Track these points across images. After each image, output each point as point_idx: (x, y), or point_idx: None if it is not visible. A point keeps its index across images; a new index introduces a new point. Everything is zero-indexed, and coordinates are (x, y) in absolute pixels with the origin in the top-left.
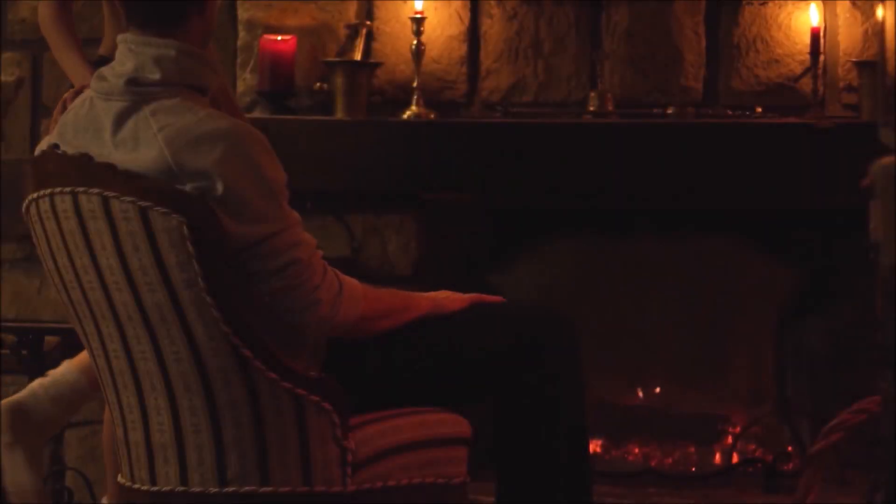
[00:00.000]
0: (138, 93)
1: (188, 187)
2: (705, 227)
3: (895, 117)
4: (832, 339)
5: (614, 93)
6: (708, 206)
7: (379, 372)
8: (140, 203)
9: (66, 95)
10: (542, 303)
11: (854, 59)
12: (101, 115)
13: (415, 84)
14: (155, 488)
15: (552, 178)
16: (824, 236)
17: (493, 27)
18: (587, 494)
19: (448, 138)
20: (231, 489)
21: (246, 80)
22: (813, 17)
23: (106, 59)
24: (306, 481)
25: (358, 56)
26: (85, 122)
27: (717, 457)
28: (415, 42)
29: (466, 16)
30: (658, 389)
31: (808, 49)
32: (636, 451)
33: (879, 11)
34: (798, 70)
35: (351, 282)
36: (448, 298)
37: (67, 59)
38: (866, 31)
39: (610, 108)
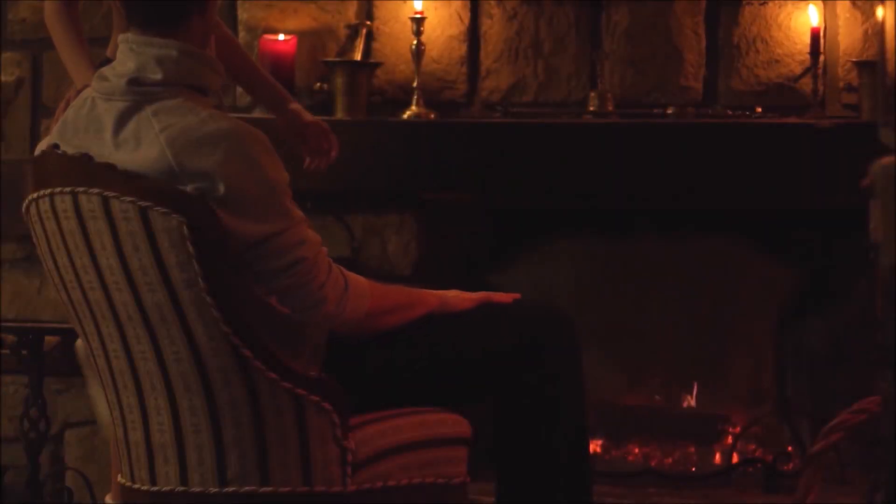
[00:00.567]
0: (140, 93)
1: (189, 188)
2: (705, 227)
3: (895, 117)
4: (832, 339)
5: (614, 93)
6: (708, 206)
7: (379, 372)
8: (140, 203)
9: (69, 94)
10: (542, 303)
11: (854, 59)
12: (102, 115)
13: (415, 84)
14: (155, 488)
15: (552, 178)
16: (824, 236)
17: (493, 27)
18: (587, 494)
19: (448, 138)
20: (231, 489)
21: None
22: (813, 17)
23: (111, 61)
24: (306, 481)
25: (358, 56)
26: (86, 122)
27: (717, 457)
28: (415, 42)
29: (466, 16)
30: (658, 389)
31: (808, 49)
32: (636, 451)
33: (879, 11)
34: (798, 70)
35: (356, 279)
36: (457, 297)
37: (70, 58)
38: (866, 31)
39: (610, 108)
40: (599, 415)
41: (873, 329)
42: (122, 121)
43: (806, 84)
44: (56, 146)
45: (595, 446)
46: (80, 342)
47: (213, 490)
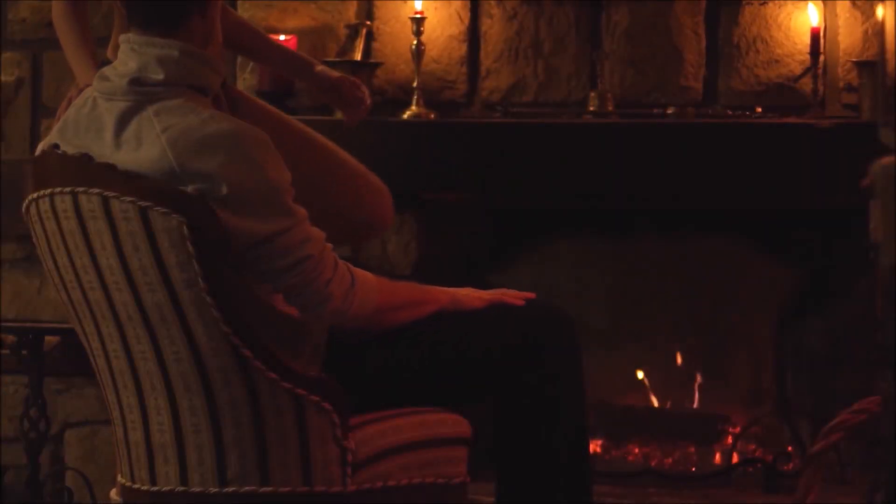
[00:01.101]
0: (141, 93)
1: (190, 188)
2: (705, 227)
3: (895, 117)
4: (832, 339)
5: (614, 93)
6: (708, 206)
7: (379, 372)
8: (140, 203)
9: (71, 93)
10: (542, 303)
11: (854, 59)
12: (103, 115)
13: (415, 84)
14: (155, 488)
15: (552, 178)
16: (824, 236)
17: (493, 27)
18: (587, 494)
19: (448, 138)
20: (231, 489)
21: (246, 80)
22: (813, 17)
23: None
24: (306, 481)
25: (358, 56)
26: (87, 122)
27: (717, 457)
28: (415, 42)
29: (466, 16)
30: (658, 389)
31: (808, 49)
32: (636, 451)
33: (879, 11)
34: (798, 70)
35: (364, 275)
36: (468, 297)
37: (74, 57)
38: (866, 31)
39: (610, 108)
40: (599, 415)
41: (873, 329)
42: (123, 121)
43: (806, 84)
44: (56, 146)
45: (595, 446)
46: None
47: (213, 490)
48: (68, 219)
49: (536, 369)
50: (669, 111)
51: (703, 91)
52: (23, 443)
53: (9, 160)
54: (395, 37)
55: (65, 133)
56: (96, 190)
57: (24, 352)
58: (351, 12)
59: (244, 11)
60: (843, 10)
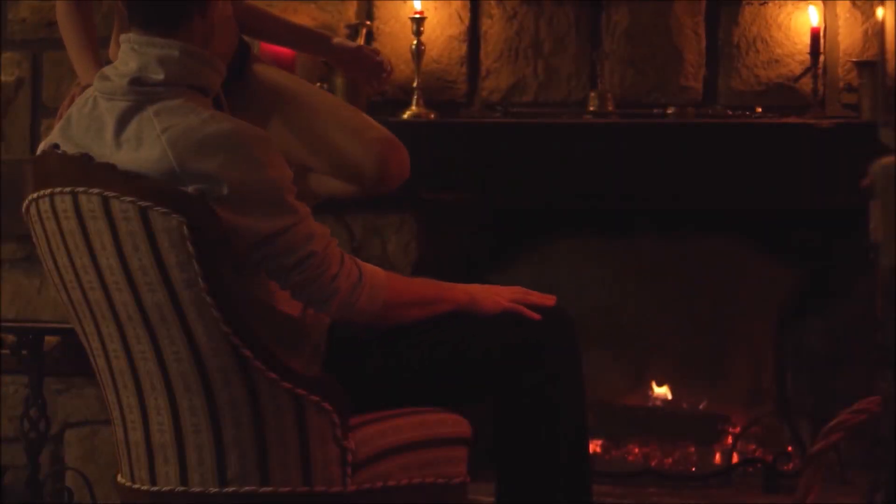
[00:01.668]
0: (142, 93)
1: (191, 189)
2: (705, 227)
3: (895, 117)
4: (832, 339)
5: (614, 93)
6: (708, 206)
7: (379, 372)
8: (140, 203)
9: (73, 91)
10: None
11: (854, 59)
12: (104, 115)
13: (415, 84)
14: (155, 488)
15: (552, 178)
16: (824, 236)
17: (493, 27)
18: (587, 494)
19: (448, 138)
20: (231, 489)
21: None
22: (813, 17)
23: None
24: (306, 481)
25: None
26: (87, 122)
27: (717, 457)
28: (415, 42)
29: (466, 16)
30: (658, 389)
31: (808, 49)
32: (636, 451)
33: (879, 11)
34: (798, 70)
35: (373, 270)
36: (488, 299)
37: (77, 57)
38: (866, 31)
39: (610, 108)
40: (599, 415)
41: (873, 329)
42: (123, 121)
43: (806, 84)
44: (56, 146)
45: (595, 446)
46: None
47: (213, 490)
48: (68, 219)
49: (536, 369)
50: (669, 111)
51: (703, 91)
52: (23, 443)
53: (9, 160)
54: (395, 37)
55: (66, 132)
56: (96, 190)
57: (24, 352)
58: (351, 12)
59: None
60: (843, 10)
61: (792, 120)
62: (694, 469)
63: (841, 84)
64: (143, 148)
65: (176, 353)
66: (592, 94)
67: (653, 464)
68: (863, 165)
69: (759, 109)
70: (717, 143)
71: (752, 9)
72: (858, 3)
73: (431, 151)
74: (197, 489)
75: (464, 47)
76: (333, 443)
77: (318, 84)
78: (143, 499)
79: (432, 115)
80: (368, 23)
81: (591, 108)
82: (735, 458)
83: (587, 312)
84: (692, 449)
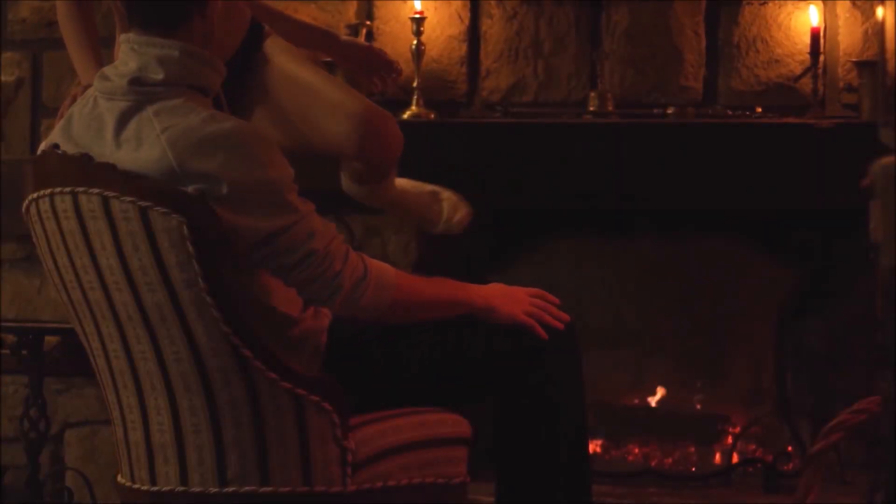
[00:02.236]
0: (142, 93)
1: (191, 188)
2: (705, 227)
3: (895, 117)
4: (832, 339)
5: (614, 93)
6: (708, 206)
7: (379, 372)
8: (140, 203)
9: (74, 91)
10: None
11: (854, 59)
12: (104, 115)
13: (415, 84)
14: (155, 488)
15: (552, 178)
16: (824, 236)
17: (493, 27)
18: (587, 494)
19: (448, 138)
20: (231, 489)
21: None
22: (813, 17)
23: None
24: (306, 481)
25: None
26: (88, 121)
27: (717, 457)
28: (415, 42)
29: (466, 16)
30: (658, 389)
31: (808, 49)
32: (636, 451)
33: (879, 11)
34: (798, 70)
35: (381, 267)
36: (505, 307)
37: (78, 57)
38: (866, 31)
39: (610, 108)
40: (599, 415)
41: (873, 329)
42: (123, 121)
43: (806, 84)
44: (56, 146)
45: (595, 446)
46: None
47: (213, 490)
48: (68, 219)
49: (536, 369)
50: (669, 111)
51: (703, 91)
52: (23, 443)
53: (9, 160)
54: (395, 37)
55: (66, 131)
56: (96, 190)
57: (24, 352)
58: (351, 12)
59: None
60: (843, 10)
61: (792, 120)
62: (694, 469)
63: (841, 84)
64: (143, 148)
65: (176, 354)
66: (592, 95)
67: (653, 464)
68: (863, 165)
69: (759, 109)
70: (717, 143)
71: (752, 9)
72: (858, 3)
73: (431, 151)
74: (197, 489)
75: (464, 47)
76: (333, 443)
77: None
78: (143, 499)
79: (432, 115)
80: (368, 23)
81: (591, 109)
82: (735, 458)
83: (587, 312)
84: (692, 449)
